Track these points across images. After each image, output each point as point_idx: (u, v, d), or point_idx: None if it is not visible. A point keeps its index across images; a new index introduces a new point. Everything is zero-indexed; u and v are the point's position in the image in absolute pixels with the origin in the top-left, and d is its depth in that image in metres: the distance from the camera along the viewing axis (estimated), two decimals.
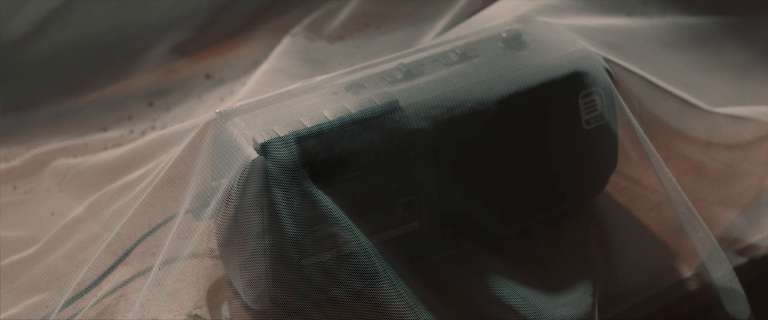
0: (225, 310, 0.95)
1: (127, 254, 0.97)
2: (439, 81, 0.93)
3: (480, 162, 0.94)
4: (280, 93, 0.93)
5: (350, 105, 0.89)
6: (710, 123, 1.11)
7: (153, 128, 1.13)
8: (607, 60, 0.98)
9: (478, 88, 0.93)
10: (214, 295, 0.95)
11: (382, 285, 0.87)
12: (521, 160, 0.96)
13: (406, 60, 0.96)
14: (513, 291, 0.94)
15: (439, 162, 0.92)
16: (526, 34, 0.98)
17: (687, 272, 0.98)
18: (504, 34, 0.97)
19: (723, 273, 0.96)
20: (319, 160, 0.87)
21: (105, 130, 1.15)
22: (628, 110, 1.11)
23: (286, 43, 1.19)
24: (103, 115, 1.17)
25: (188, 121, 1.02)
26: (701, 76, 1.16)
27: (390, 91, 0.91)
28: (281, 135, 0.87)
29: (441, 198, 0.93)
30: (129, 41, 1.23)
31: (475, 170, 0.94)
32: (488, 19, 1.04)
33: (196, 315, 0.94)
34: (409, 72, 0.94)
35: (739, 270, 0.99)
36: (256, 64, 1.22)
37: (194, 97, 1.18)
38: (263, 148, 0.87)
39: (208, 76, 1.21)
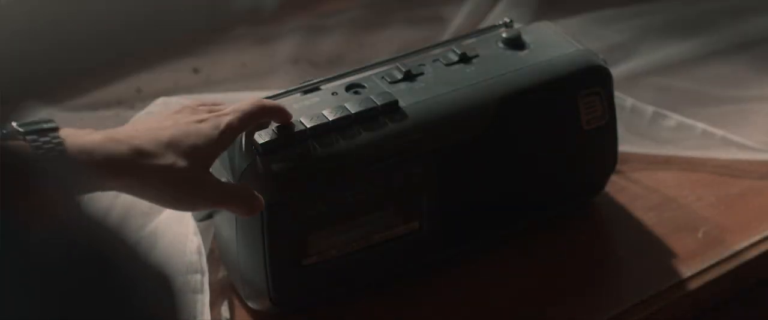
0: (225, 310, 0.95)
1: None
2: (438, 81, 0.93)
3: (480, 162, 0.94)
4: (280, 93, 0.93)
5: (350, 105, 0.89)
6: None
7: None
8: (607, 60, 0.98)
9: (478, 88, 0.93)
10: (214, 295, 0.94)
11: None
12: (521, 160, 0.96)
13: (406, 60, 0.95)
14: None
15: (439, 162, 0.91)
16: (526, 34, 0.98)
17: (687, 272, 0.98)
18: (504, 34, 0.97)
19: None
20: (319, 159, 0.87)
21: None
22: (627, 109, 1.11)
23: None
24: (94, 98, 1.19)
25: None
26: None
27: (390, 91, 0.91)
28: (281, 135, 0.87)
29: (441, 198, 0.93)
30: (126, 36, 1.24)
31: (475, 170, 0.94)
32: None
33: None
34: (409, 72, 0.93)
35: (728, 276, 0.99)
36: (243, 65, 1.23)
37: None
38: (263, 148, 0.86)
39: (195, 71, 1.23)
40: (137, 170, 0.78)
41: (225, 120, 0.83)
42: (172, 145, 0.80)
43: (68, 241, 0.44)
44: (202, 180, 0.82)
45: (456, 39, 1.00)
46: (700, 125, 1.11)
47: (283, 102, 0.92)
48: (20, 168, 0.46)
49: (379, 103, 0.90)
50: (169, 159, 0.80)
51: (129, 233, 0.48)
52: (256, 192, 0.84)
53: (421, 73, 0.94)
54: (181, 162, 0.80)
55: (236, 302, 0.95)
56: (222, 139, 0.83)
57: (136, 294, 0.46)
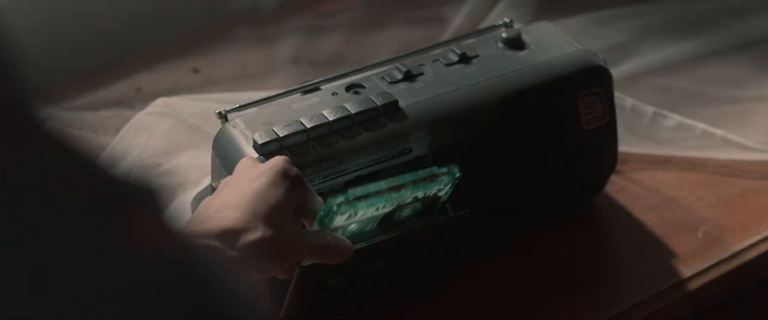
0: None
1: None
2: (438, 81, 0.93)
3: (480, 162, 0.94)
4: (280, 93, 0.93)
5: (350, 105, 0.89)
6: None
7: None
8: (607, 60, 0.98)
9: (478, 88, 0.93)
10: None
11: None
12: (521, 160, 0.96)
13: (406, 60, 0.95)
14: None
15: (439, 162, 0.91)
16: (526, 34, 0.98)
17: (687, 272, 0.98)
18: (504, 34, 0.97)
19: None
20: (319, 160, 0.87)
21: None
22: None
23: None
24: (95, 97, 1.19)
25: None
26: None
27: (390, 91, 0.91)
28: (281, 135, 0.87)
29: None
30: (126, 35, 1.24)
31: (475, 170, 0.94)
32: None
33: None
34: (409, 72, 0.93)
35: (728, 276, 0.99)
36: (243, 65, 1.23)
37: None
38: (263, 149, 0.86)
39: (195, 71, 1.23)
40: (233, 254, 0.76)
41: (282, 165, 0.80)
42: (254, 214, 0.77)
43: (172, 267, 0.44)
44: (293, 239, 0.79)
45: (456, 39, 1.00)
46: (700, 125, 1.11)
47: (283, 102, 0.92)
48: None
49: (379, 103, 0.89)
50: (259, 231, 0.77)
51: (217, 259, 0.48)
52: (339, 237, 0.82)
53: (421, 73, 0.94)
54: (269, 231, 0.77)
55: None
56: (293, 186, 0.80)
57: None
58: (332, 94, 0.92)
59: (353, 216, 0.82)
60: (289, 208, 0.79)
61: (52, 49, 1.21)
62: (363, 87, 0.92)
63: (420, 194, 0.84)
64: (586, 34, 1.20)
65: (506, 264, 0.98)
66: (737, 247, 1.01)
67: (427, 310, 0.94)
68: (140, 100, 1.18)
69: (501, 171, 0.95)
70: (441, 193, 0.85)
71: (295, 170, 0.80)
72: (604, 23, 1.23)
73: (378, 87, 0.92)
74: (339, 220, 0.82)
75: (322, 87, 0.93)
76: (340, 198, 0.80)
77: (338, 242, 0.81)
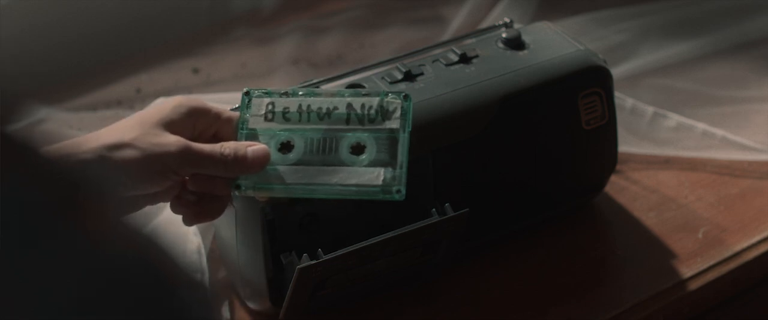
0: (225, 310, 0.95)
1: None
2: (438, 81, 0.93)
3: (479, 162, 0.94)
4: (281, 93, 0.93)
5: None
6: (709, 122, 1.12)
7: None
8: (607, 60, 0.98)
9: (478, 88, 0.93)
10: (214, 295, 0.94)
11: None
12: (521, 160, 0.96)
13: (406, 60, 0.95)
14: None
15: (438, 162, 0.91)
16: (526, 34, 0.98)
17: (687, 272, 0.98)
18: (504, 34, 0.97)
19: None
20: None
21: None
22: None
23: None
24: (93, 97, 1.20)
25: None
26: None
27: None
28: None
29: (440, 199, 0.93)
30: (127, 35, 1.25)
31: (475, 170, 0.94)
32: None
33: None
34: (409, 72, 0.93)
35: (728, 276, 0.99)
36: (243, 65, 1.23)
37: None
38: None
39: (195, 71, 1.23)
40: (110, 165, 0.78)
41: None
42: (113, 131, 0.80)
43: (123, 253, 0.44)
44: (161, 144, 0.80)
45: (456, 39, 0.99)
46: (700, 125, 1.11)
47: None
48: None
49: None
50: (127, 144, 0.79)
51: (167, 242, 0.49)
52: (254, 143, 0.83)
53: (421, 73, 0.94)
54: (130, 138, 0.79)
55: (236, 302, 0.95)
56: (178, 106, 0.82)
57: (186, 307, 0.46)
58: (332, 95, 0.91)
59: (272, 113, 0.85)
60: (159, 120, 0.81)
61: (52, 49, 1.21)
62: (363, 87, 0.92)
63: (356, 104, 0.85)
64: (586, 34, 1.20)
65: (506, 264, 0.98)
66: (737, 247, 1.01)
67: (427, 310, 0.94)
68: (140, 100, 1.18)
69: (501, 171, 0.95)
70: (393, 121, 0.85)
71: (194, 98, 0.83)
72: (604, 23, 1.23)
73: (378, 87, 0.92)
74: (256, 119, 0.84)
75: (322, 87, 0.93)
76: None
77: (248, 145, 0.83)
